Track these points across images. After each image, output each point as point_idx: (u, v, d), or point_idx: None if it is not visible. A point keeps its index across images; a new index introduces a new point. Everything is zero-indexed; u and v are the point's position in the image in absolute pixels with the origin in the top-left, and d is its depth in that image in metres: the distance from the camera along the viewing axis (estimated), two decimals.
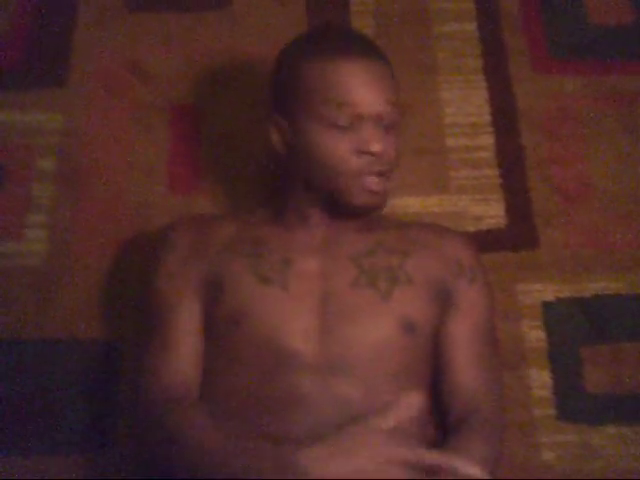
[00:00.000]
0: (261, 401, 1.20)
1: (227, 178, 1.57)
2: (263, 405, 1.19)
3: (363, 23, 1.69)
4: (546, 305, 1.46)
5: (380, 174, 1.25)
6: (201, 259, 1.30)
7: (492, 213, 1.53)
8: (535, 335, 1.44)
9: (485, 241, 1.50)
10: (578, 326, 1.45)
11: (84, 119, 1.62)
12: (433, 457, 1.04)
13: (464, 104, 1.62)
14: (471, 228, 1.52)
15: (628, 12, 1.71)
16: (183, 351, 1.26)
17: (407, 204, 1.54)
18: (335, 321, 1.24)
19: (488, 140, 1.59)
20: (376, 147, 1.23)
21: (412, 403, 1.08)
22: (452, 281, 1.31)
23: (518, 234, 1.52)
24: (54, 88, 1.64)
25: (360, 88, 1.25)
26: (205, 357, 1.28)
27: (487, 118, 1.61)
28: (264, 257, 1.28)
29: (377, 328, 1.24)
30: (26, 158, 1.58)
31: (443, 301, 1.30)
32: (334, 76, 1.25)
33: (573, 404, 1.40)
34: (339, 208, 1.28)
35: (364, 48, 1.29)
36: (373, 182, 1.25)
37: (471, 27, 1.69)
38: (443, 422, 1.27)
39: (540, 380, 1.41)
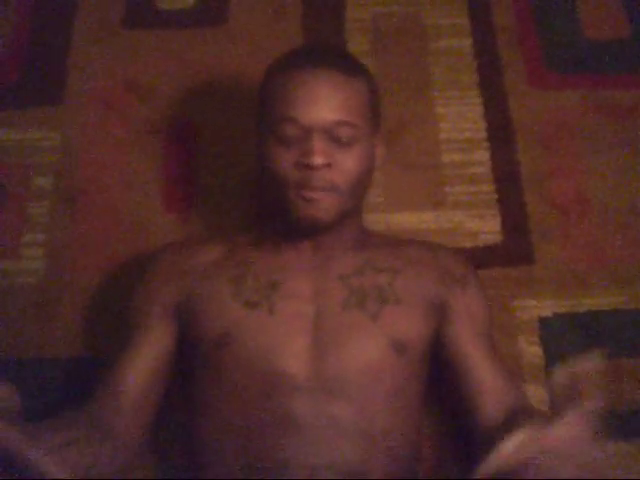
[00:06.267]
0: (253, 424, 1.20)
1: (223, 196, 1.57)
2: (255, 428, 1.19)
3: (359, 39, 1.69)
4: (543, 321, 1.46)
5: (322, 188, 1.22)
6: (180, 287, 1.30)
7: (488, 229, 1.53)
8: (532, 351, 1.44)
9: (481, 257, 1.49)
10: (575, 342, 1.44)
11: (81, 137, 1.62)
12: None
13: (460, 119, 1.62)
14: (467, 244, 1.52)
15: (623, 26, 1.71)
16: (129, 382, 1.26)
17: (403, 220, 1.54)
18: (327, 342, 1.23)
19: (484, 155, 1.59)
20: (312, 160, 1.20)
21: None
22: (446, 292, 1.31)
23: (514, 249, 1.51)
24: (51, 106, 1.65)
25: (305, 102, 1.22)
26: (193, 382, 1.28)
27: (483, 133, 1.61)
28: (249, 282, 1.27)
29: (368, 349, 1.23)
30: (23, 176, 1.59)
31: (438, 314, 1.30)
32: (281, 89, 1.25)
33: None
34: (291, 225, 1.26)
35: (323, 61, 1.26)
36: (311, 193, 1.21)
37: (466, 42, 1.69)
38: (470, 425, 1.27)
39: (537, 396, 1.40)
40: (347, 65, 1.28)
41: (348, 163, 1.24)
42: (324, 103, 1.23)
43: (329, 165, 1.22)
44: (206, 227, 1.54)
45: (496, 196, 1.55)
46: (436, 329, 1.30)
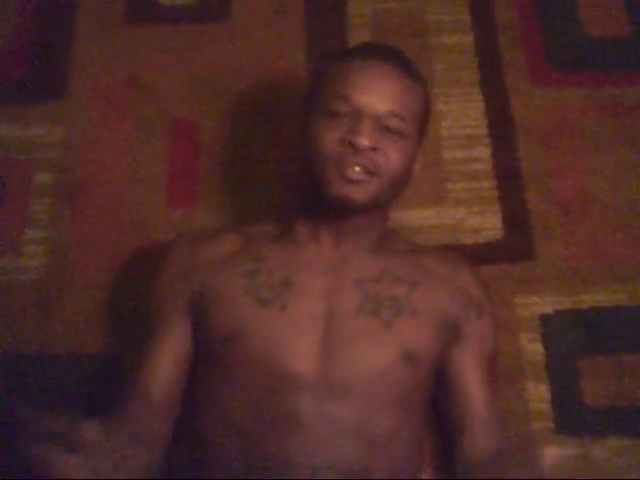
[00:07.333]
0: (257, 422, 1.20)
1: (227, 191, 1.57)
2: (259, 426, 1.19)
3: (360, 35, 1.70)
4: (544, 318, 1.45)
5: (366, 170, 1.23)
6: (194, 282, 1.30)
7: (489, 225, 1.53)
8: (533, 348, 1.43)
9: (482, 253, 1.50)
10: (576, 338, 1.44)
11: (84, 132, 1.62)
12: None
13: (461, 116, 1.62)
14: (468, 240, 1.52)
15: (625, 24, 1.71)
16: (157, 383, 1.28)
17: (404, 217, 1.54)
18: (337, 345, 1.23)
19: (485, 152, 1.59)
20: (359, 140, 1.21)
21: None
22: (460, 313, 1.31)
23: (515, 246, 1.51)
24: (54, 101, 1.65)
25: (362, 85, 1.25)
26: (201, 376, 1.28)
27: (484, 130, 1.61)
28: (262, 278, 1.27)
29: (377, 357, 1.23)
30: (24, 172, 1.59)
31: (449, 332, 1.30)
32: (343, 72, 1.27)
33: (572, 417, 1.39)
34: (324, 203, 1.26)
35: (386, 55, 1.30)
36: (352, 171, 1.22)
37: (468, 39, 1.69)
38: (449, 439, 1.30)
39: (538, 393, 1.40)
40: (409, 68, 1.31)
41: (394, 153, 1.25)
42: (380, 93, 1.25)
43: (376, 150, 1.23)
44: (210, 222, 1.53)
45: (497, 193, 1.55)
46: (445, 346, 1.30)
